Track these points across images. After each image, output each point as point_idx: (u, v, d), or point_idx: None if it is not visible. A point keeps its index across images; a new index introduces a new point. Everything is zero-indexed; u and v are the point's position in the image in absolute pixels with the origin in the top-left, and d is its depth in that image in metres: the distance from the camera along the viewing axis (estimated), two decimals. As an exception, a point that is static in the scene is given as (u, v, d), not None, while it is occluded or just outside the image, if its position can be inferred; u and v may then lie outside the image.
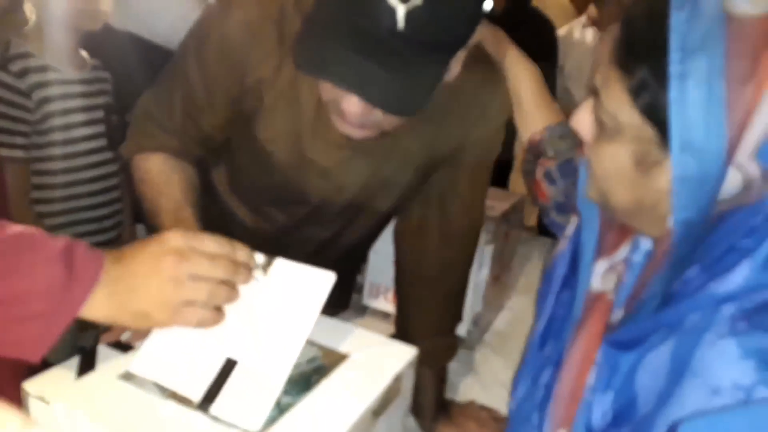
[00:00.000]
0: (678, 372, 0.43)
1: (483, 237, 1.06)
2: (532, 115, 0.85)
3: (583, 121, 0.53)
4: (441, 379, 0.94)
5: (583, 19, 2.28)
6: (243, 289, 0.58)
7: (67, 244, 0.52)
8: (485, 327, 1.20)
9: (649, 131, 0.46)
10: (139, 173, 0.83)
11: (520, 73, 0.86)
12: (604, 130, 0.50)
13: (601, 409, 0.50)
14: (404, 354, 0.64)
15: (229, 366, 0.56)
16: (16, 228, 0.52)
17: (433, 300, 0.93)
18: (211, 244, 0.56)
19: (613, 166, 0.50)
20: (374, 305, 1.19)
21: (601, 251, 0.58)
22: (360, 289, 1.20)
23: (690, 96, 0.42)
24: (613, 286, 0.56)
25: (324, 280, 0.58)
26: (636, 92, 0.46)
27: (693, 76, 0.42)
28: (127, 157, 0.86)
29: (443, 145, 0.84)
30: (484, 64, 0.84)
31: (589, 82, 0.52)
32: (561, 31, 2.27)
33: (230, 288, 0.56)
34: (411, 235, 0.93)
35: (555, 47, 2.17)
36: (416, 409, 0.91)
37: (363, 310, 1.21)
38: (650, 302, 0.48)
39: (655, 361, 0.46)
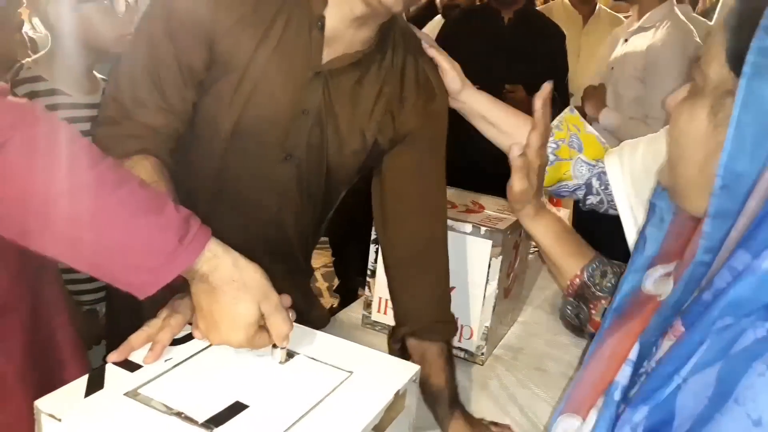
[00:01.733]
0: (721, 397, 0.42)
1: (491, 249, 1.06)
2: (566, 264, 0.87)
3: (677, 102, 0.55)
4: (449, 361, 0.94)
5: (625, 24, 2.22)
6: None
7: (185, 216, 0.62)
8: (496, 342, 1.19)
9: (730, 83, 0.47)
10: None
11: (538, 230, 0.89)
12: (690, 94, 0.51)
13: (633, 421, 0.49)
14: (406, 371, 0.65)
15: (238, 406, 0.58)
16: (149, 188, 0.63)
17: (417, 281, 0.97)
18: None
19: (688, 124, 0.51)
20: (383, 320, 1.20)
21: (660, 258, 0.59)
22: (368, 305, 1.21)
23: None
24: (666, 290, 0.55)
25: (336, 377, 0.64)
26: (732, 48, 0.47)
27: None
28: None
29: (402, 123, 0.92)
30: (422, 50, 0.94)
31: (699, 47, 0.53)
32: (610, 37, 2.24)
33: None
34: (387, 220, 0.99)
35: (564, 54, 2.17)
36: (429, 400, 0.90)
37: (372, 326, 1.21)
38: (694, 269, 0.48)
39: (700, 382, 0.45)
